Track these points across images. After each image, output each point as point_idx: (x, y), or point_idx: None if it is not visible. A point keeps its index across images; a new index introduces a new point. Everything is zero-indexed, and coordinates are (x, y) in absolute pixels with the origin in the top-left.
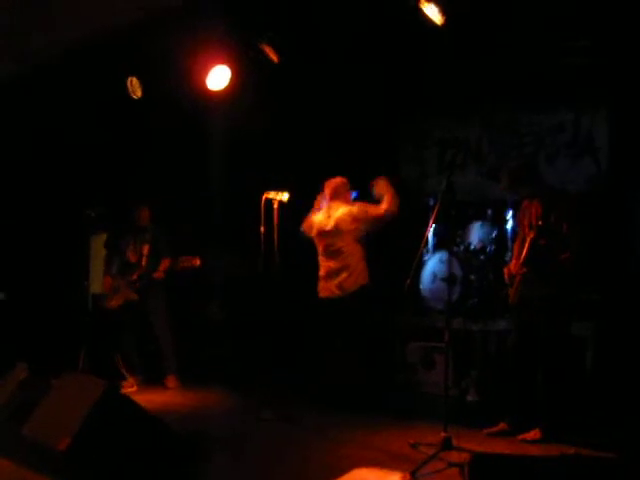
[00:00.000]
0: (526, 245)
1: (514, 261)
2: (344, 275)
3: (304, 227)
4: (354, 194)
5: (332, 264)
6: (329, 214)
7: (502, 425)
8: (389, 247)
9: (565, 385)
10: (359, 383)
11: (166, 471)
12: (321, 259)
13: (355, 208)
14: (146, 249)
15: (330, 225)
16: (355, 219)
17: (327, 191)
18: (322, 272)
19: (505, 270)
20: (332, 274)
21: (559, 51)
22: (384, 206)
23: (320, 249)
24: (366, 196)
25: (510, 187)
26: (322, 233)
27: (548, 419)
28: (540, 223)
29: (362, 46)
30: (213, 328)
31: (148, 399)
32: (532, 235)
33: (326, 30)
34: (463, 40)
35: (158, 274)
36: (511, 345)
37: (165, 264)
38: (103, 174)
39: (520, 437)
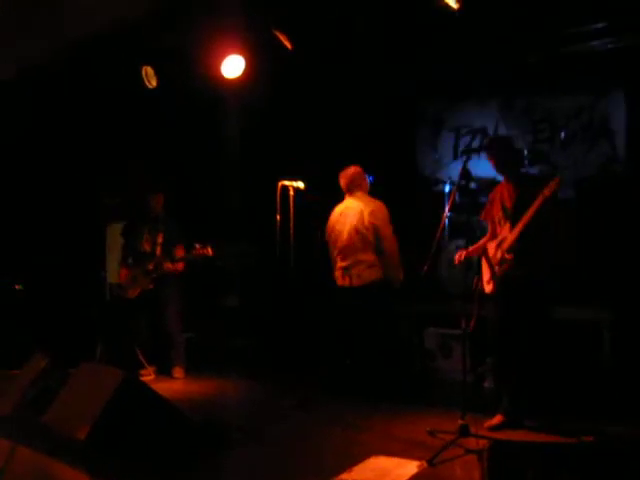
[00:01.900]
0: (516, 231)
1: (492, 244)
2: (361, 267)
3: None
4: (370, 178)
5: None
6: (351, 210)
7: (498, 417)
8: (406, 234)
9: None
10: (376, 371)
11: (185, 459)
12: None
13: (379, 212)
14: (160, 238)
15: (361, 226)
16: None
17: (343, 182)
18: (339, 265)
19: (461, 253)
20: (349, 267)
21: (576, 34)
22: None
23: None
24: (382, 182)
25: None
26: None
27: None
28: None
29: (379, 31)
30: (229, 317)
31: (166, 388)
32: (525, 220)
33: (341, 16)
34: (481, 25)
35: (176, 265)
36: (494, 333)
37: (179, 253)
38: (119, 164)
39: (486, 424)
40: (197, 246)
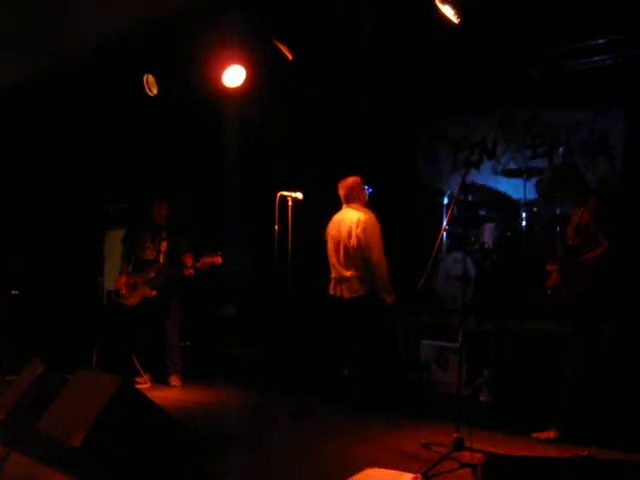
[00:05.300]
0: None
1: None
2: (351, 281)
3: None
4: (369, 190)
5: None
6: (344, 222)
7: (552, 432)
8: (403, 246)
9: (586, 387)
10: (371, 382)
11: (180, 468)
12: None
13: (368, 225)
14: (164, 246)
15: (350, 240)
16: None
17: (341, 192)
18: (332, 275)
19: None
20: (341, 280)
21: (576, 49)
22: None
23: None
24: (381, 193)
25: (550, 188)
26: (337, 244)
27: (568, 420)
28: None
29: (379, 44)
30: (226, 326)
31: (162, 396)
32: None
33: (342, 28)
34: (482, 39)
35: (188, 271)
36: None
37: (189, 260)
38: (120, 171)
39: (534, 435)
40: (204, 257)
